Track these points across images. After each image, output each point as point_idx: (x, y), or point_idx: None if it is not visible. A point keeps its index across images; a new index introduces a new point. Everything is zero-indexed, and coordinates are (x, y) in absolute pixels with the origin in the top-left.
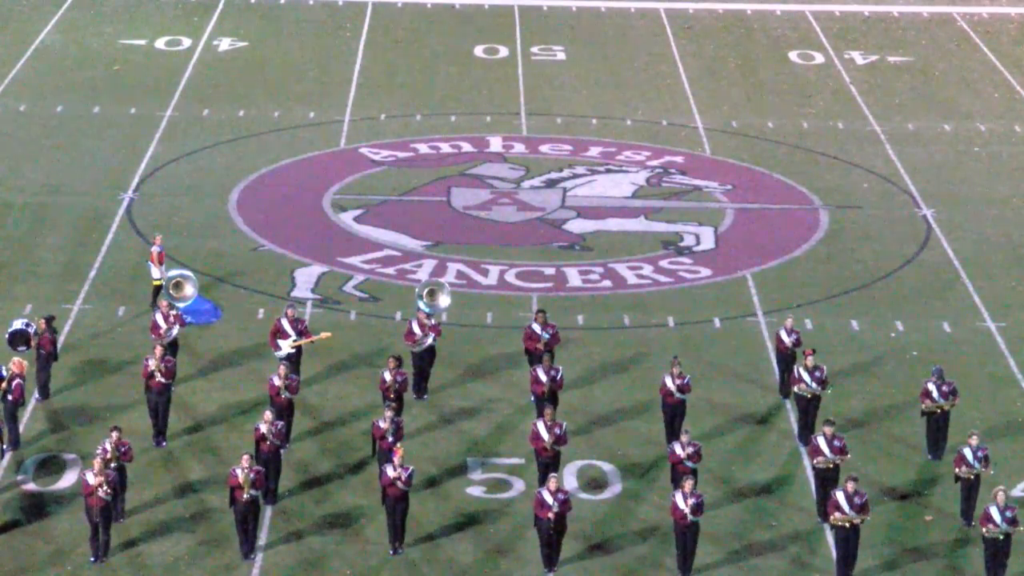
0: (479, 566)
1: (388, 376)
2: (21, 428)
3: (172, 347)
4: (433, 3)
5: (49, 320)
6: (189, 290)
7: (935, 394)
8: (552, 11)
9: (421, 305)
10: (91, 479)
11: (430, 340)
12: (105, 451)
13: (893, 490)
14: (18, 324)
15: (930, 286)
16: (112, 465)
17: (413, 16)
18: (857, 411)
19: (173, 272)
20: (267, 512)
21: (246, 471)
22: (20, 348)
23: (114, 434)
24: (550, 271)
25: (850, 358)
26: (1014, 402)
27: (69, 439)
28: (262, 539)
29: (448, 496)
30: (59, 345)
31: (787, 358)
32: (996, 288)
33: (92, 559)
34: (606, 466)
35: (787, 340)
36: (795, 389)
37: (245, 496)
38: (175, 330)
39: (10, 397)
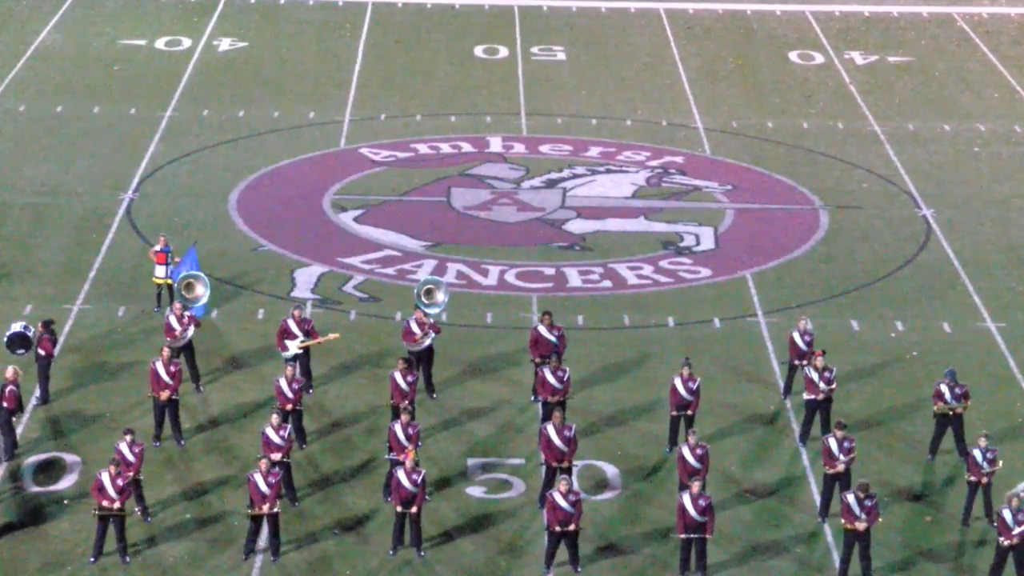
0: (481, 566)
1: (401, 380)
2: (21, 430)
3: (187, 349)
4: (433, 3)
5: (48, 323)
6: (200, 289)
7: (947, 396)
8: (552, 11)
9: (421, 305)
10: (106, 481)
11: (429, 339)
12: (120, 453)
13: (896, 491)
14: (17, 327)
15: (930, 286)
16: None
17: (413, 16)
18: (857, 411)
19: (184, 273)
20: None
21: (267, 482)
22: (19, 351)
23: (128, 436)
24: (550, 271)
25: (850, 358)
26: (1014, 402)
27: (69, 441)
28: (263, 541)
29: (449, 497)
30: (58, 347)
31: (803, 360)
32: (996, 288)
33: (92, 559)
34: (608, 467)
35: (800, 343)
36: (805, 394)
37: (264, 508)
38: (190, 331)
39: (4, 405)
